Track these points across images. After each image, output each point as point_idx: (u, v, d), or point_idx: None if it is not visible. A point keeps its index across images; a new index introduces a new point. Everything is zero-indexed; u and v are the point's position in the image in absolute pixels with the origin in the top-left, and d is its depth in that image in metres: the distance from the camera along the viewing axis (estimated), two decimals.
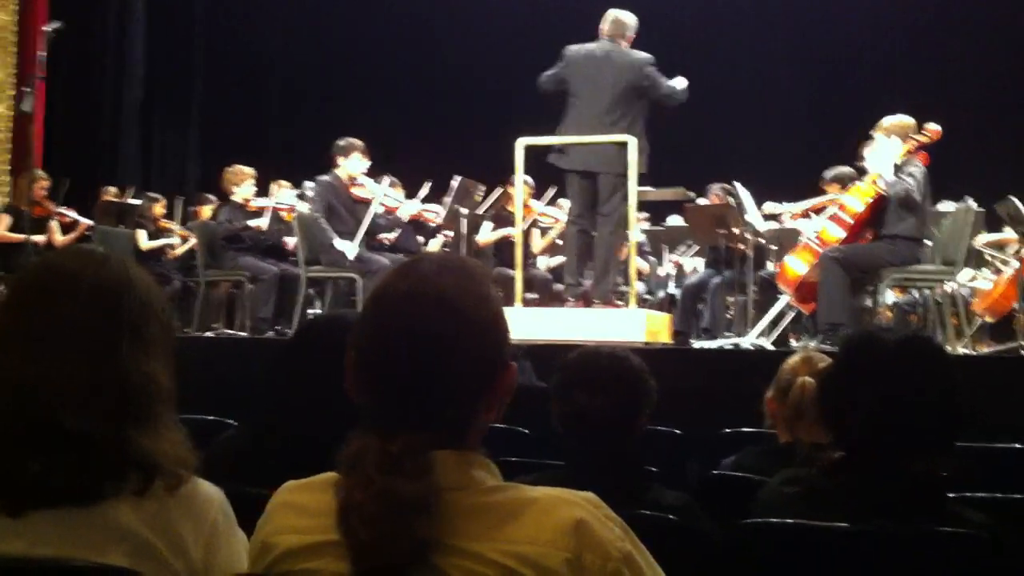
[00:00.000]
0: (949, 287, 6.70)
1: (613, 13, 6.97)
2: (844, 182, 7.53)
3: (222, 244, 8.35)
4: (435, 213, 8.54)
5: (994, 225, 8.37)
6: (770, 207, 7.84)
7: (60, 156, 10.83)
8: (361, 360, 1.38)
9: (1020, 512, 2.42)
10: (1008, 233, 8.07)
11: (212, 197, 9.92)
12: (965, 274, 7.92)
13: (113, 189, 10.26)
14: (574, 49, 6.89)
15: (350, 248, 7.62)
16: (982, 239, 8.16)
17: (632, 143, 6.50)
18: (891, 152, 6.33)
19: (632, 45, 6.93)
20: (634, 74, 6.71)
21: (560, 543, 1.28)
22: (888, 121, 6.43)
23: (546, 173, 7.74)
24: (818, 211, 7.45)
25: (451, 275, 1.38)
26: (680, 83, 6.88)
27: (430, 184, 8.65)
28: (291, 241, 8.50)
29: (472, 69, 13.20)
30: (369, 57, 13.57)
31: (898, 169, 6.28)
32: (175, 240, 9.74)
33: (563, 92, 6.87)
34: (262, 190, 8.74)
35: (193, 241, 9.13)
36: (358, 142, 7.90)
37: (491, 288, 1.42)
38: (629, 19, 6.96)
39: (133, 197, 10.12)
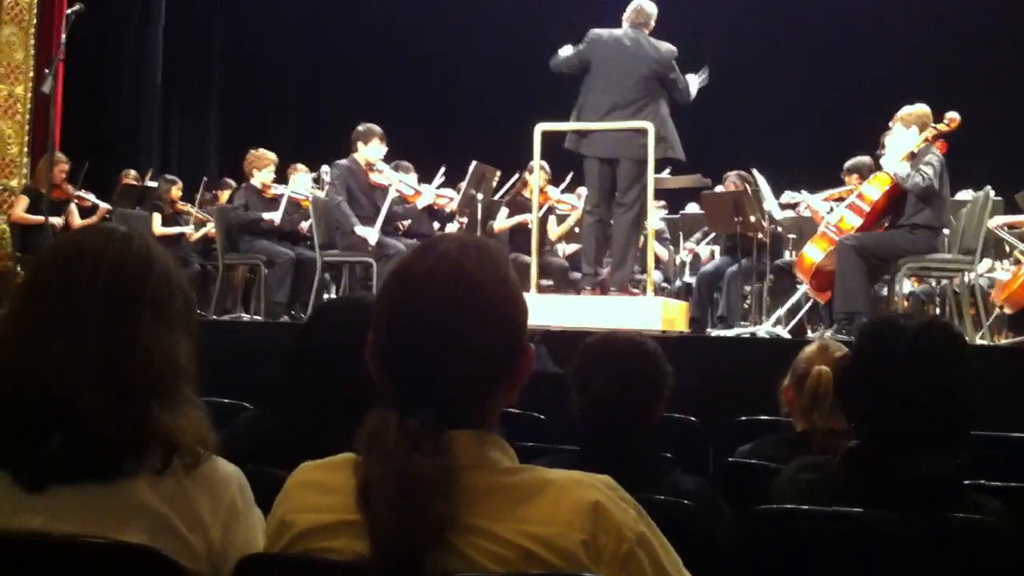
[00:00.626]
0: (967, 277, 6.67)
1: (637, 2, 6.95)
2: (863, 172, 7.50)
3: (238, 229, 8.38)
4: (449, 199, 8.54)
5: (1012, 214, 8.31)
6: (789, 196, 7.81)
7: (79, 139, 10.86)
8: (381, 339, 1.38)
9: None
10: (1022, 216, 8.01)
11: (232, 182, 9.96)
12: (984, 264, 7.87)
13: (133, 172, 10.30)
14: (599, 32, 6.88)
15: (371, 234, 7.63)
16: (996, 220, 8.08)
17: (651, 129, 6.49)
18: (907, 142, 6.30)
19: (652, 33, 6.92)
20: (660, 63, 6.73)
21: (576, 524, 1.28)
22: (906, 111, 6.40)
23: (563, 160, 7.73)
24: (838, 201, 7.42)
25: (473, 256, 1.38)
26: (694, 82, 6.93)
27: (444, 169, 8.65)
28: (306, 225, 8.53)
29: (489, 55, 13.20)
30: (387, 42, 13.57)
31: (915, 158, 6.25)
32: (189, 229, 9.76)
33: (581, 74, 6.85)
34: (280, 177, 8.77)
35: (211, 226, 9.16)
36: (377, 128, 7.92)
37: (511, 270, 1.42)
38: (652, 8, 6.96)
39: (151, 179, 10.16)
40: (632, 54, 6.74)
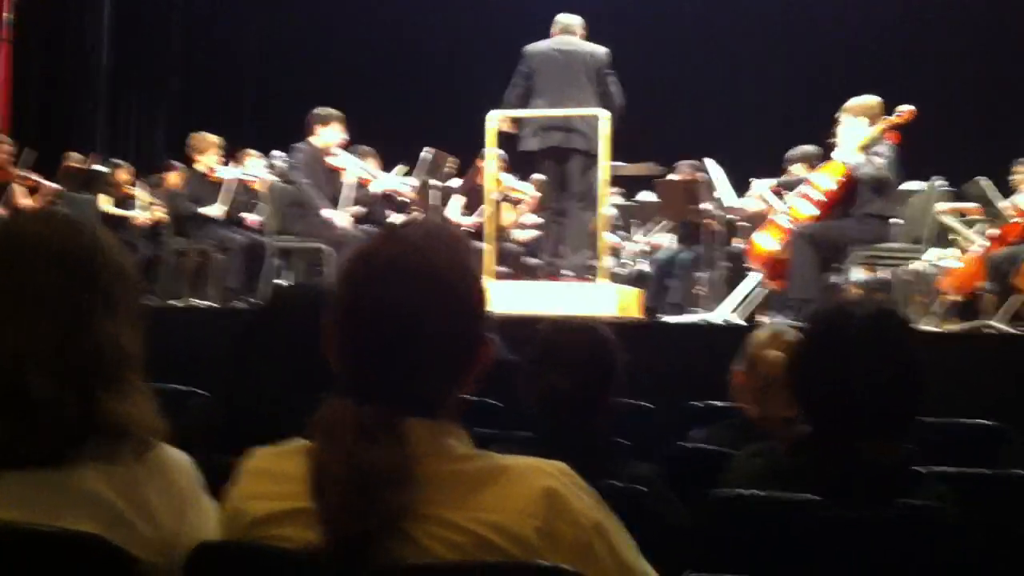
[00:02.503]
0: (916, 265, 6.75)
1: (563, 17, 7.11)
2: (809, 161, 7.56)
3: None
4: (408, 186, 8.50)
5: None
6: (757, 187, 7.81)
7: (28, 122, 10.69)
8: (341, 324, 1.37)
9: (983, 487, 2.45)
10: (970, 204, 8.11)
11: (178, 164, 9.83)
12: (932, 253, 7.97)
13: (76, 155, 10.12)
14: (534, 45, 7.02)
15: (338, 216, 7.60)
16: (942, 206, 8.16)
17: (604, 116, 6.52)
18: (857, 133, 6.36)
19: (595, 29, 7.03)
20: (596, 63, 6.84)
21: (531, 511, 1.28)
22: (854, 102, 6.46)
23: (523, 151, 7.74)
24: (785, 188, 7.48)
25: (437, 244, 1.37)
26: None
27: (404, 163, 8.62)
28: (249, 217, 8.46)
29: (446, 43, 13.15)
30: (344, 27, 13.46)
31: (867, 149, 6.31)
32: (136, 212, 9.62)
33: (529, 88, 6.89)
34: (228, 159, 8.66)
35: (159, 210, 9.04)
36: (337, 112, 7.83)
37: (473, 260, 1.42)
38: (578, 20, 7.10)
39: (98, 163, 10.00)
40: (569, 57, 6.88)
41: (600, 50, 6.89)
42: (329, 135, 7.75)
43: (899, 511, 1.91)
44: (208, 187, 8.39)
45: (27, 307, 1.45)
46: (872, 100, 6.44)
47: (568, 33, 6.99)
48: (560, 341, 2.50)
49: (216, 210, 8.23)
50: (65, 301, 1.47)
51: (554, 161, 6.88)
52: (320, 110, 7.81)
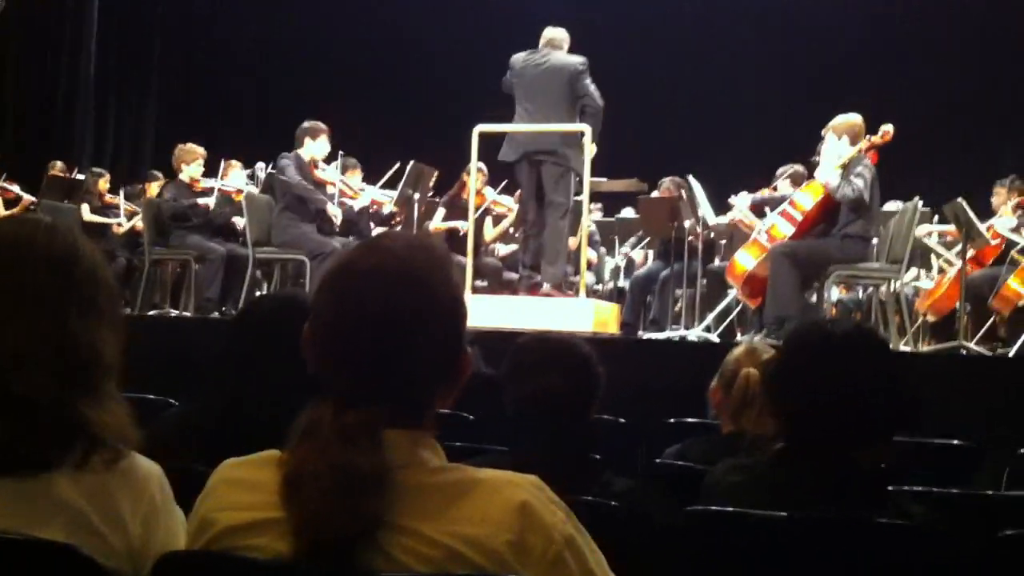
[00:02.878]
0: (894, 286, 6.79)
1: (548, 31, 7.12)
2: (795, 179, 7.61)
3: (169, 222, 8.27)
4: (389, 199, 8.50)
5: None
6: (742, 199, 7.84)
7: (11, 131, 10.65)
8: (322, 332, 1.36)
9: (956, 506, 2.46)
10: (951, 226, 8.17)
11: (159, 174, 9.80)
12: (910, 274, 8.02)
13: (60, 164, 10.09)
14: (517, 56, 7.07)
15: (339, 213, 7.75)
16: (924, 228, 8.23)
17: (587, 131, 6.54)
18: (838, 152, 6.40)
19: (576, 42, 7.07)
20: (569, 72, 6.84)
21: (504, 524, 1.28)
22: (838, 120, 6.50)
23: (502, 163, 7.76)
24: (768, 203, 7.52)
25: (419, 255, 1.37)
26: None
27: (389, 174, 8.63)
28: (241, 221, 8.45)
29: (433, 56, 13.17)
30: (330, 41, 13.48)
31: (847, 168, 6.35)
32: (119, 220, 9.59)
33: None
34: (213, 170, 8.66)
35: (138, 219, 9.01)
36: (323, 125, 7.89)
37: (455, 272, 1.42)
38: (562, 33, 7.11)
39: (80, 172, 9.97)
40: (546, 73, 6.90)
41: (574, 59, 6.90)
42: (317, 148, 7.80)
43: (875, 529, 1.91)
44: (192, 197, 8.38)
45: (5, 308, 1.44)
46: (854, 119, 6.49)
47: (549, 46, 7.02)
48: (538, 353, 2.50)
49: (209, 201, 8.27)
50: (44, 305, 1.46)
51: (528, 170, 6.91)
52: (308, 123, 7.88)
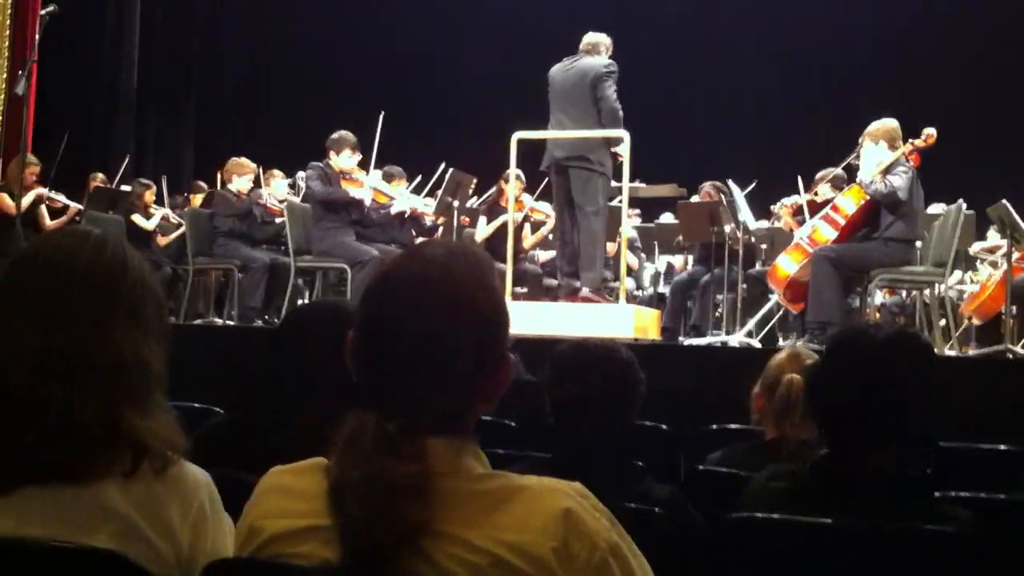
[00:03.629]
0: (938, 289, 6.72)
1: (588, 34, 7.06)
2: (835, 183, 7.55)
3: (213, 230, 8.36)
4: (431, 207, 8.53)
5: (983, 227, 8.40)
6: (780, 206, 7.81)
7: (53, 141, 10.78)
8: (365, 340, 1.38)
9: (1004, 512, 2.43)
10: (996, 240, 8.10)
11: (204, 185, 9.91)
12: (954, 277, 7.94)
13: (101, 175, 10.23)
14: (553, 69, 7.03)
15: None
16: (976, 246, 8.20)
17: (626, 137, 6.53)
18: (878, 157, 6.35)
19: (617, 53, 6.99)
20: (591, 76, 6.77)
21: (548, 532, 1.28)
22: (873, 127, 6.46)
23: (539, 169, 7.76)
24: (809, 207, 7.48)
25: (460, 263, 1.38)
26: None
27: (420, 177, 8.66)
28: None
29: (471, 62, 13.22)
30: (368, 48, 13.57)
31: (888, 172, 6.30)
32: (166, 213, 9.72)
33: None
34: (255, 180, 8.76)
35: (183, 229, 9.11)
36: (350, 137, 7.88)
37: (496, 279, 1.43)
38: (601, 37, 7.03)
39: (123, 183, 10.09)
40: (572, 77, 6.86)
41: (598, 62, 6.82)
42: (343, 160, 7.83)
43: (921, 535, 1.90)
44: (234, 209, 8.45)
45: (55, 319, 1.47)
46: (890, 123, 6.44)
47: (584, 51, 6.97)
48: (579, 359, 2.50)
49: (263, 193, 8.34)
50: (91, 314, 1.49)
51: (557, 177, 6.91)
52: (334, 135, 7.89)
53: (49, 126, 10.83)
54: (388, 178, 8.52)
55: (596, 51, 6.96)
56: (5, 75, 10.27)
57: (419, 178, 8.71)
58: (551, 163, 6.89)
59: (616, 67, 6.80)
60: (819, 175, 7.86)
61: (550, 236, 9.15)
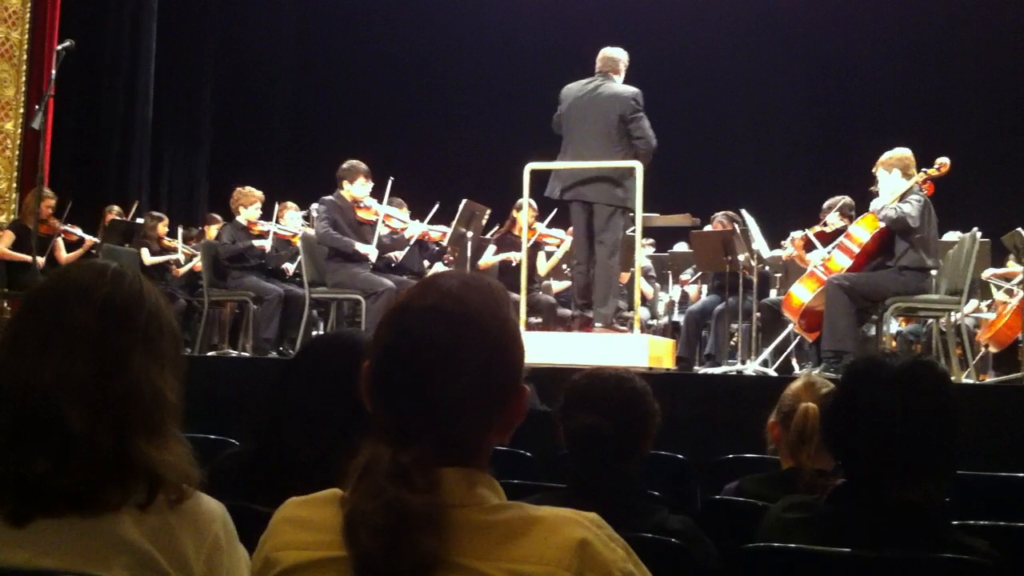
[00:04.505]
0: (954, 317, 6.69)
1: (604, 51, 7.00)
2: (844, 211, 7.55)
3: (225, 264, 8.40)
4: (441, 234, 8.56)
5: (999, 255, 8.38)
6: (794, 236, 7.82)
7: (68, 174, 10.88)
8: (379, 370, 1.38)
9: (1021, 541, 2.41)
10: (1013, 266, 8.08)
11: (218, 217, 9.97)
12: (970, 305, 7.92)
13: (116, 208, 10.30)
14: (568, 87, 6.98)
15: (371, 250, 7.73)
16: (988, 272, 8.19)
17: (639, 168, 6.53)
18: (892, 187, 6.36)
19: (629, 77, 6.93)
20: (621, 108, 6.70)
21: (563, 563, 1.27)
22: (886, 156, 6.47)
23: (551, 199, 7.78)
24: (819, 238, 7.47)
25: (475, 294, 1.38)
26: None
27: (438, 205, 8.70)
28: (291, 267, 8.59)
29: (481, 94, 13.29)
30: (378, 80, 13.66)
31: (901, 200, 6.31)
32: (179, 256, 9.78)
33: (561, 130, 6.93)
34: (268, 213, 8.80)
35: (197, 260, 9.16)
36: (362, 165, 7.92)
37: (511, 310, 1.43)
38: (619, 54, 6.97)
39: (136, 216, 10.16)
40: (595, 104, 6.78)
41: (626, 92, 6.74)
42: (356, 189, 7.87)
43: (936, 564, 1.88)
44: (248, 238, 8.50)
45: (71, 349, 1.48)
46: (903, 152, 6.45)
47: (603, 72, 6.90)
48: (594, 389, 2.50)
49: (265, 243, 8.42)
50: (107, 345, 1.50)
51: (579, 210, 6.88)
52: (346, 164, 7.93)
53: (65, 160, 10.92)
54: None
55: (615, 70, 6.89)
56: (22, 110, 10.37)
57: (436, 207, 8.71)
58: (570, 194, 6.85)
59: (641, 96, 6.73)
60: (827, 204, 7.86)
61: (564, 267, 9.18)
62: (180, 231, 10.11)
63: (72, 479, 1.42)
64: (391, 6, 13.63)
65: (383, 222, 7.97)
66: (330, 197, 7.93)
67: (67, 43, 6.87)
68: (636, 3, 12.40)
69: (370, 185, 7.95)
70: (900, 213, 6.17)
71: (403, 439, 1.32)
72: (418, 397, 1.34)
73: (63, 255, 9.08)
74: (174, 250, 9.86)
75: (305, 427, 2.22)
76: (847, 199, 7.59)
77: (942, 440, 1.98)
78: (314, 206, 9.31)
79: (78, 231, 9.30)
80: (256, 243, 8.44)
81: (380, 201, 8.07)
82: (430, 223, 8.63)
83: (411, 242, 8.38)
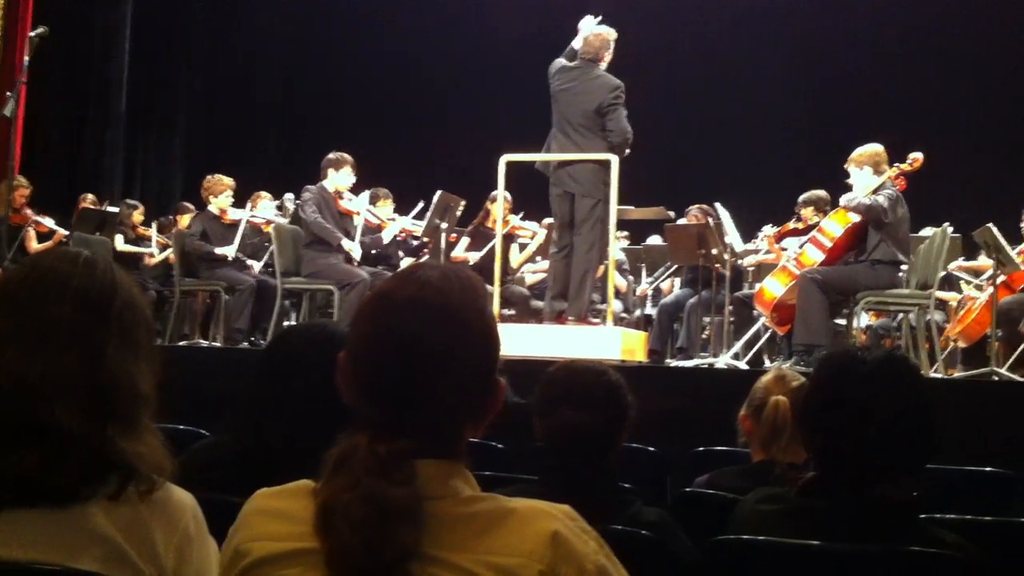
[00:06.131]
0: (928, 315, 6.73)
1: (588, 31, 6.91)
2: (818, 205, 7.59)
3: (196, 262, 8.36)
4: (420, 227, 8.54)
5: (970, 252, 8.45)
6: (767, 230, 7.85)
7: (43, 162, 10.78)
8: (358, 362, 1.37)
9: (991, 534, 2.44)
10: (983, 260, 8.15)
11: (191, 206, 9.91)
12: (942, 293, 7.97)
13: (91, 196, 10.22)
14: (556, 62, 6.92)
15: (355, 248, 7.74)
16: (957, 264, 8.25)
17: (614, 161, 6.53)
18: (865, 182, 6.40)
19: (612, 65, 6.90)
20: (600, 97, 6.66)
21: (536, 555, 1.28)
22: (858, 152, 6.51)
23: (525, 189, 7.77)
24: (792, 234, 7.51)
25: (455, 286, 1.38)
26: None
27: (421, 204, 8.68)
28: (257, 265, 8.59)
29: (459, 85, 13.26)
30: (356, 71, 13.60)
31: (875, 194, 6.35)
32: (153, 249, 9.72)
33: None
34: (242, 202, 8.75)
35: (170, 251, 9.10)
36: (348, 156, 7.94)
37: (489, 303, 1.43)
38: (603, 38, 6.85)
39: (112, 204, 10.08)
40: (577, 90, 6.75)
41: (607, 84, 6.68)
42: (341, 179, 7.86)
43: (909, 558, 1.90)
44: (222, 228, 8.46)
45: (47, 341, 1.47)
46: (874, 149, 6.49)
47: (586, 58, 6.82)
48: (568, 381, 2.50)
49: (228, 251, 8.29)
50: (83, 337, 1.49)
51: (560, 199, 6.87)
52: (332, 155, 7.94)
53: (38, 149, 10.82)
54: (374, 199, 8.53)
55: (600, 57, 6.82)
56: None
57: (420, 206, 8.69)
58: (553, 180, 6.83)
59: (623, 90, 6.65)
60: (802, 198, 7.90)
61: (538, 259, 9.18)
62: (154, 222, 10.05)
63: (45, 471, 1.41)
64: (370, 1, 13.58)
65: (363, 215, 7.97)
66: (313, 187, 7.90)
67: (40, 29, 6.81)
68: None
69: (354, 177, 7.95)
70: (874, 202, 6.21)
71: (380, 431, 1.32)
72: (397, 389, 1.34)
73: (34, 246, 8.99)
74: (148, 239, 9.79)
75: (279, 418, 2.21)
76: (822, 194, 7.63)
77: (916, 434, 1.99)
78: (288, 196, 9.29)
79: (49, 222, 9.22)
80: (218, 251, 8.32)
81: (358, 194, 8.07)
82: (414, 219, 8.62)
83: (386, 243, 8.37)
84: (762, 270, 7.94)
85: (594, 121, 6.66)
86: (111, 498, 1.43)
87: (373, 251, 8.38)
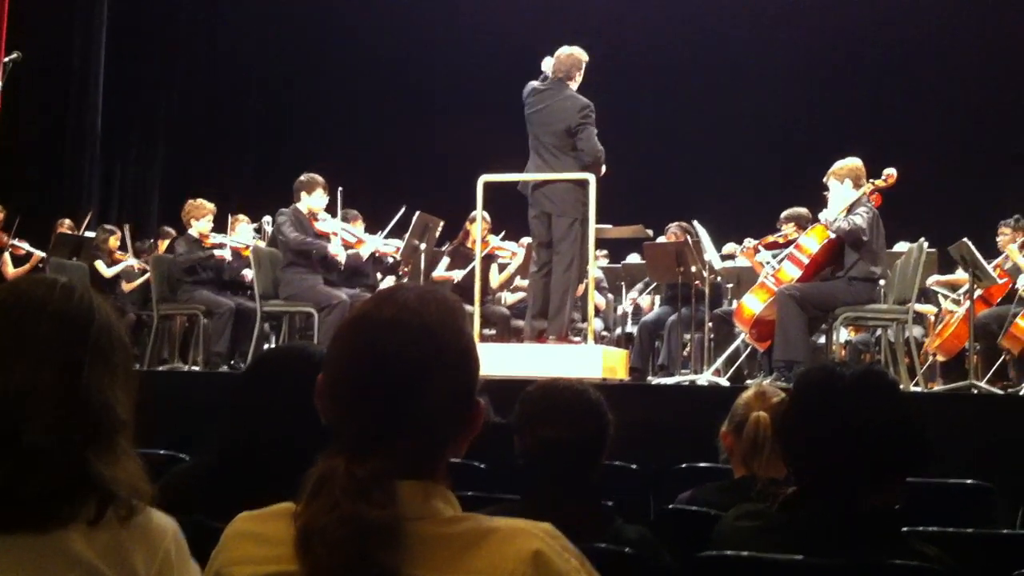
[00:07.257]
0: (903, 327, 6.77)
1: (561, 52, 6.91)
2: (800, 222, 7.63)
3: (179, 278, 8.32)
4: (396, 248, 8.54)
5: (946, 267, 8.51)
6: (730, 248, 7.93)
7: (19, 187, 10.73)
8: (336, 383, 1.37)
9: (970, 546, 2.45)
10: (960, 274, 8.21)
11: (172, 231, 9.88)
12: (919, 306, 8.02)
13: (68, 221, 10.18)
14: (529, 85, 6.95)
15: (340, 250, 7.78)
16: (933, 278, 8.31)
17: (591, 180, 6.54)
18: (843, 196, 6.44)
19: (582, 86, 6.91)
20: (569, 120, 6.67)
21: (517, 573, 1.27)
22: (838, 165, 6.55)
23: (504, 209, 7.78)
24: (772, 247, 7.55)
25: (432, 307, 1.39)
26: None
27: (393, 222, 8.68)
28: (249, 274, 8.51)
29: (438, 106, 13.29)
30: (334, 93, 13.62)
31: (849, 210, 6.39)
32: (132, 262, 9.69)
33: None
34: (221, 226, 8.73)
35: (149, 274, 9.07)
36: (320, 178, 7.93)
37: (468, 324, 1.43)
38: (575, 58, 6.87)
39: (88, 229, 10.04)
40: (548, 111, 6.76)
41: (576, 104, 6.68)
42: (314, 201, 7.85)
43: (888, 570, 1.90)
44: (201, 251, 8.43)
45: (22, 356, 1.46)
46: (854, 163, 6.53)
47: (558, 78, 6.82)
48: (549, 400, 2.50)
49: (225, 252, 8.35)
50: (60, 354, 1.48)
51: (538, 220, 6.88)
52: (304, 177, 7.93)
53: (14, 173, 10.78)
54: (345, 220, 8.52)
55: (570, 76, 6.82)
56: None
57: (393, 222, 8.68)
58: (538, 212, 6.84)
59: (592, 109, 6.65)
60: (784, 215, 7.94)
61: (517, 278, 9.19)
62: (131, 246, 10.02)
63: (23, 496, 1.40)
64: (348, 22, 13.59)
65: (340, 235, 7.95)
66: (287, 209, 7.89)
67: (14, 55, 6.80)
68: (589, 11, 12.47)
69: (327, 198, 7.94)
70: (854, 225, 6.24)
71: (359, 452, 1.31)
72: (375, 410, 1.34)
73: (9, 270, 8.95)
74: (125, 263, 9.76)
75: (258, 441, 2.20)
76: (804, 211, 7.68)
77: (895, 448, 2.00)
78: (266, 219, 9.27)
79: (25, 245, 9.18)
80: (217, 252, 8.37)
81: (333, 214, 8.05)
82: (387, 237, 8.61)
83: (363, 261, 8.35)
84: (741, 287, 7.97)
85: (565, 141, 6.68)
86: (90, 523, 1.42)
87: (349, 271, 8.35)
